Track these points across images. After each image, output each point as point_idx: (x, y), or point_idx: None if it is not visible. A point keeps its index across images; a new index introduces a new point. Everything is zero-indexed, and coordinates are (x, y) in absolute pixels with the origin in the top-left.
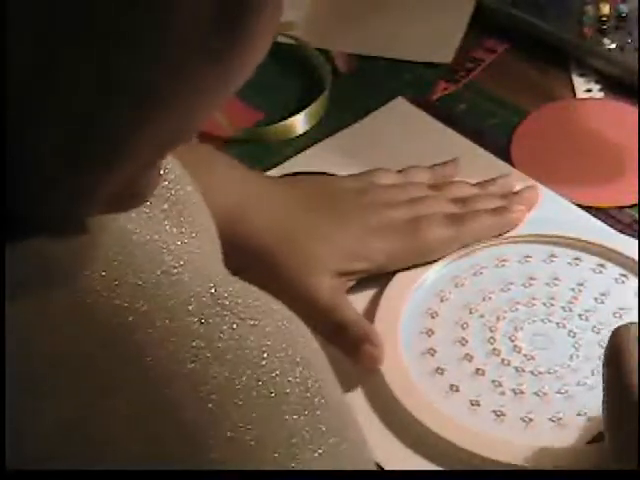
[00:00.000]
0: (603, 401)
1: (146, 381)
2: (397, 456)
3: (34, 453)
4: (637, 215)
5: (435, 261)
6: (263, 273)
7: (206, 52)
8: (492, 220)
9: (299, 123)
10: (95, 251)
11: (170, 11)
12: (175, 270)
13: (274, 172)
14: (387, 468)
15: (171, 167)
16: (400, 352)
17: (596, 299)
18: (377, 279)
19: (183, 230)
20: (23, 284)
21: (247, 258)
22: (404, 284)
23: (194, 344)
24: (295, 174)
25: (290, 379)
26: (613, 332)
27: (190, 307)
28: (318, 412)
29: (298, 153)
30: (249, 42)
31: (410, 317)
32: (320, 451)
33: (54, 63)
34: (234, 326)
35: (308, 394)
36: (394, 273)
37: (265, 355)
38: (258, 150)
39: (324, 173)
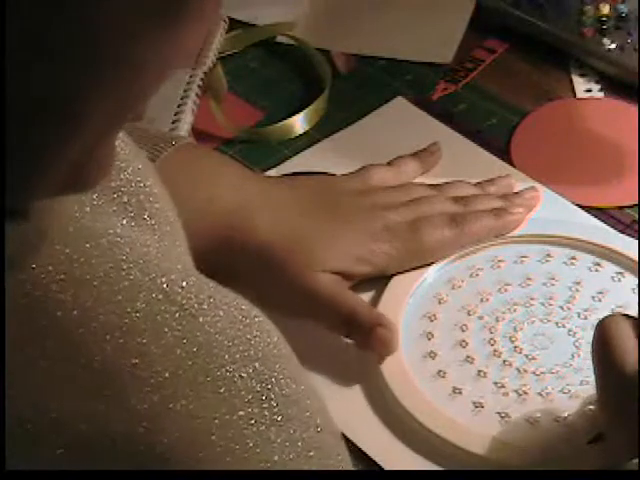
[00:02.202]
0: (597, 392)
1: (92, 373)
2: (397, 456)
3: None
4: (637, 215)
5: (432, 263)
6: (264, 273)
7: (156, 16)
8: (493, 222)
9: (299, 123)
10: (43, 243)
11: None
12: (125, 265)
13: (274, 172)
14: (387, 468)
15: (131, 159)
16: (401, 356)
17: (594, 297)
18: (373, 283)
19: (142, 223)
20: None
21: (248, 259)
22: (401, 288)
23: (138, 340)
24: (295, 174)
25: (243, 374)
26: (599, 323)
27: (137, 303)
28: (274, 404)
29: (298, 153)
30: (198, 6)
31: (409, 321)
32: (279, 441)
33: None
34: (183, 322)
35: (263, 387)
36: (390, 277)
37: (215, 351)
38: (258, 150)
39: (324, 173)
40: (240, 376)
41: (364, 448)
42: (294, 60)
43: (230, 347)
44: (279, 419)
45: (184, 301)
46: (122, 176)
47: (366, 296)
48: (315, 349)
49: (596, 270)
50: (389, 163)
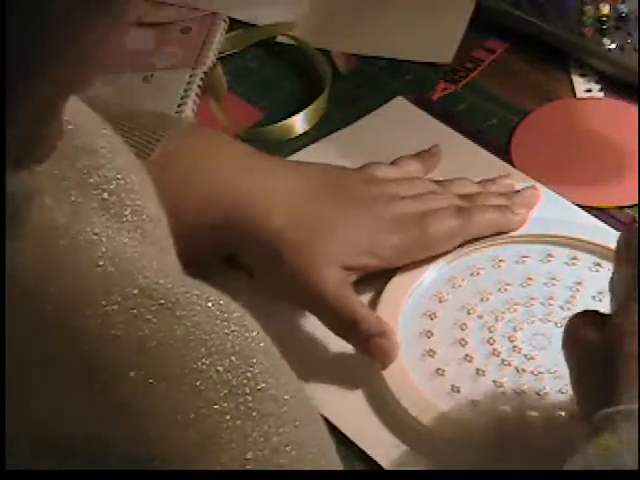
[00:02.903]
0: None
1: (63, 369)
2: (397, 456)
3: None
4: (637, 215)
5: (433, 259)
6: (269, 263)
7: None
8: (498, 215)
9: (299, 123)
10: (19, 245)
11: None
12: (101, 261)
13: None
14: (387, 468)
15: (113, 156)
16: (401, 354)
17: (594, 297)
18: (373, 283)
19: (122, 220)
20: None
21: (254, 246)
22: (401, 286)
23: (113, 332)
24: None
25: (219, 367)
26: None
27: (113, 296)
28: (250, 398)
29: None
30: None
31: (409, 319)
32: (254, 435)
33: None
34: (159, 315)
35: (239, 382)
36: (390, 277)
37: (191, 345)
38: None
39: None
40: (216, 370)
41: (364, 448)
42: (294, 60)
43: (206, 340)
44: (254, 414)
45: (161, 296)
46: (102, 173)
47: (366, 296)
48: (315, 349)
49: (597, 270)
50: (391, 164)
